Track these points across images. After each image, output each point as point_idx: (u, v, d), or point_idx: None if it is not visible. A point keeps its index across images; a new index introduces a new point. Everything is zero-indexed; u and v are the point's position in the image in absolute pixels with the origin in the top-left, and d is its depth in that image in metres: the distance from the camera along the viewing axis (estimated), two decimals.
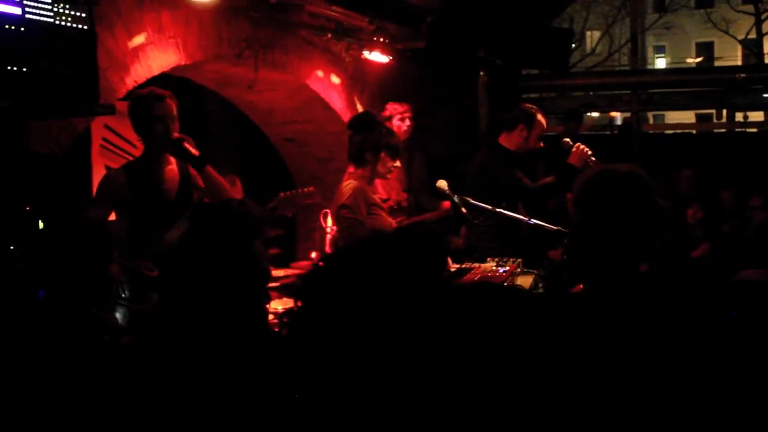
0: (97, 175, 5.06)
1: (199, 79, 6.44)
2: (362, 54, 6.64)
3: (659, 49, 29.22)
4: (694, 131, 15.54)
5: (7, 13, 3.15)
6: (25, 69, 3.21)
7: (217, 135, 7.20)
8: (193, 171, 3.85)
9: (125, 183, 3.80)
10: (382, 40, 6.50)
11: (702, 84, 11.69)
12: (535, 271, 4.21)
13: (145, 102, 3.79)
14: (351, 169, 4.26)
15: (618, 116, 16.12)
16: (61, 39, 3.38)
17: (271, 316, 4.07)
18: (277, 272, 4.80)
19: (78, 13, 3.45)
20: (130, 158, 4.45)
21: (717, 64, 24.75)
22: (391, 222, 4.26)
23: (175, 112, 3.80)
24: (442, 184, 4.46)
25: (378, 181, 4.58)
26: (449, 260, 3.88)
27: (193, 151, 3.76)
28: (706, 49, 27.22)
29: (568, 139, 4.84)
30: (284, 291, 4.70)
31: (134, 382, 1.90)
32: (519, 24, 7.81)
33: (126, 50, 4.76)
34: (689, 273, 2.35)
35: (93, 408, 2.01)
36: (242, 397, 1.80)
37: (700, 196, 7.62)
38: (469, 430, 1.26)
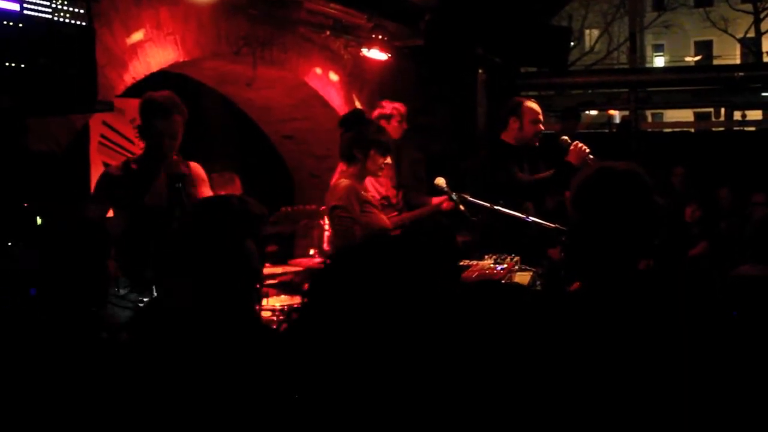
0: (96, 172, 5.06)
1: (197, 76, 6.45)
2: (361, 51, 6.64)
3: (658, 48, 29.23)
4: (692, 130, 15.56)
5: (6, 10, 3.14)
6: (23, 66, 3.21)
7: (216, 132, 7.18)
8: (186, 171, 3.81)
9: (123, 181, 3.80)
10: (380, 37, 6.50)
11: (700, 83, 11.70)
12: (533, 269, 4.21)
13: (150, 112, 3.72)
14: (342, 167, 4.26)
15: (616, 114, 16.15)
16: (59, 36, 3.37)
17: (268, 313, 4.10)
18: (275, 269, 4.80)
19: (76, 10, 3.45)
20: (129, 155, 4.45)
21: (716, 62, 24.78)
22: (385, 219, 4.25)
23: (178, 127, 3.73)
24: (441, 181, 4.46)
25: (367, 178, 4.58)
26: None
27: (184, 170, 3.71)
28: (704, 48, 27.24)
29: (566, 138, 4.83)
30: (282, 288, 4.70)
31: (131, 378, 1.90)
32: (517, 22, 7.81)
33: (124, 47, 4.76)
34: (687, 271, 2.35)
35: (91, 405, 2.01)
36: (236, 394, 1.80)
37: (694, 193, 7.63)
38: (472, 428, 1.27)
